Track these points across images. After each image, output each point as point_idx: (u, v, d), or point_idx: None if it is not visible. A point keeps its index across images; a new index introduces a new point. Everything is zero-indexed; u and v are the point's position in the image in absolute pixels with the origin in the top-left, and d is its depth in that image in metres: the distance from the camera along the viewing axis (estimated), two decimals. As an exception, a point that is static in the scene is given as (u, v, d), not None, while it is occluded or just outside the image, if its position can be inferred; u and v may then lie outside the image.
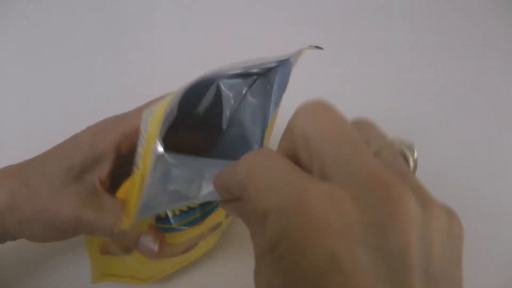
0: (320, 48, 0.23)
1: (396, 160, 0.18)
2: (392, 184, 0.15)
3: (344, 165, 0.16)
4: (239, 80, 0.26)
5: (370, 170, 0.16)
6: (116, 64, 0.45)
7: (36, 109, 0.44)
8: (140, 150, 0.23)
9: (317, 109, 0.18)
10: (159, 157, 0.25)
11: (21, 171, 0.27)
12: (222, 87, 0.26)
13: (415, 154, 0.19)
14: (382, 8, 0.55)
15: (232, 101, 0.27)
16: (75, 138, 0.27)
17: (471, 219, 0.44)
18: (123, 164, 0.27)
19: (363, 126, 0.19)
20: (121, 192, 0.27)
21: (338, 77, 0.50)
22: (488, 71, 0.52)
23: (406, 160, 0.18)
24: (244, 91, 0.27)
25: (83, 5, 0.50)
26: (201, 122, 0.28)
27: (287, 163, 0.17)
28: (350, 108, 0.46)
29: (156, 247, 0.25)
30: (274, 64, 0.26)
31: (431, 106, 0.49)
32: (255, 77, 0.26)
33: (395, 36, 0.53)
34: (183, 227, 0.30)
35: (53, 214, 0.26)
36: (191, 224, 0.30)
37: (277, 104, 0.26)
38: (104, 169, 0.27)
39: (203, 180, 0.26)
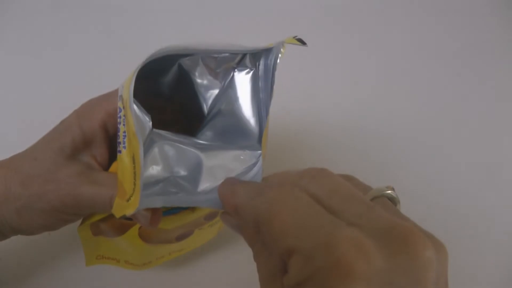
0: (303, 43, 0.23)
1: (391, 205, 0.20)
2: (410, 230, 0.17)
3: (359, 216, 0.18)
4: (226, 55, 0.26)
5: (386, 219, 0.17)
6: (116, 64, 0.46)
7: (35, 108, 0.44)
8: (122, 127, 0.24)
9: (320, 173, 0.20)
10: (149, 132, 0.25)
11: (12, 162, 0.27)
12: (201, 63, 0.26)
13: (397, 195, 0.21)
14: (380, 8, 0.54)
15: (220, 79, 0.27)
16: (62, 121, 0.28)
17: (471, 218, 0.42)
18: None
19: (350, 180, 0.21)
20: (112, 168, 0.28)
21: (337, 77, 0.50)
22: (487, 72, 0.51)
23: (392, 202, 0.21)
24: (232, 67, 0.27)
25: (84, 4, 0.51)
26: (181, 103, 0.28)
27: (312, 204, 0.19)
28: (348, 109, 0.46)
29: (149, 214, 0.25)
30: (258, 50, 0.25)
31: (426, 106, 0.49)
32: (241, 55, 0.26)
33: (392, 36, 0.52)
34: (173, 211, 0.30)
35: (52, 195, 0.26)
36: (180, 209, 0.30)
37: (267, 111, 0.26)
38: (96, 148, 0.27)
39: (200, 167, 0.26)
